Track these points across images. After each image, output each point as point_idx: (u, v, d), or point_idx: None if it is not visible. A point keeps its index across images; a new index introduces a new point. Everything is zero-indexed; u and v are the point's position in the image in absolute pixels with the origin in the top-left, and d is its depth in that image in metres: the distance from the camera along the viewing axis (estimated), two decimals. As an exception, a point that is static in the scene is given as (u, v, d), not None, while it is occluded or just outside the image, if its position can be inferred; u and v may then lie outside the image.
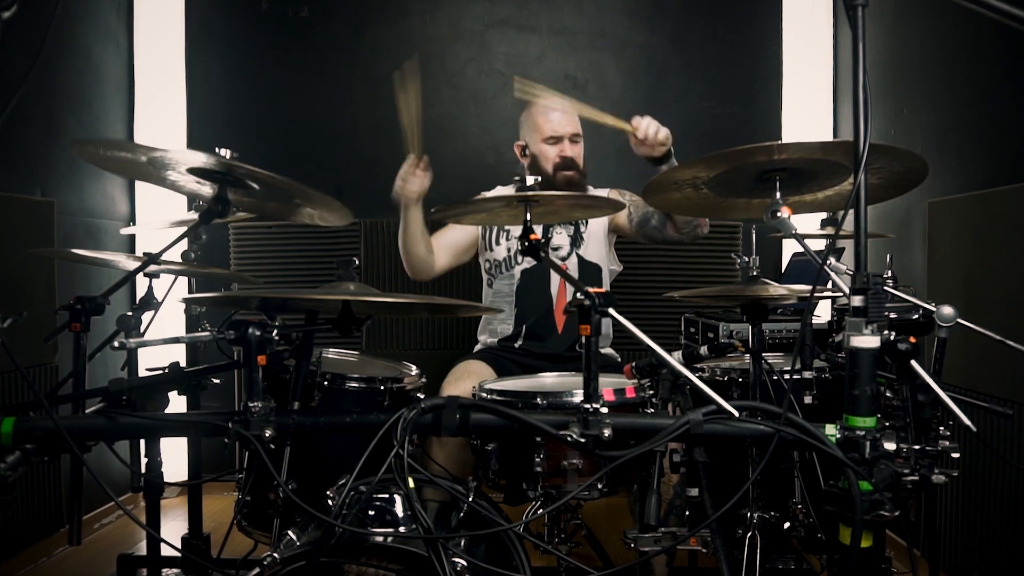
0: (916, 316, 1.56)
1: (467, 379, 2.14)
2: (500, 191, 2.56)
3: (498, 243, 2.49)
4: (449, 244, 2.55)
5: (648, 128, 2.15)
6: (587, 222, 2.46)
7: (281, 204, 1.68)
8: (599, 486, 1.51)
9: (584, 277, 2.41)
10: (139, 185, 3.35)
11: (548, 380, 1.91)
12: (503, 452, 1.54)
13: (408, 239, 2.39)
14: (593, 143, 3.40)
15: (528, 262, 2.42)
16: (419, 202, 2.35)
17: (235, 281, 2.47)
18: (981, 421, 2.07)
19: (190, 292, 2.18)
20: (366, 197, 3.29)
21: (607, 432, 1.19)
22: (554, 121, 2.45)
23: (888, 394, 1.36)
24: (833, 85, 3.38)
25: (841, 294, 1.33)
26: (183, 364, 1.70)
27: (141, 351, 1.76)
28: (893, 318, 1.58)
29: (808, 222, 2.37)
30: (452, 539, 1.33)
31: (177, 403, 1.73)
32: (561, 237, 2.45)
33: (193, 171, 1.51)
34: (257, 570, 1.26)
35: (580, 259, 2.44)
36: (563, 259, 2.43)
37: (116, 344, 1.33)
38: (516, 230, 2.46)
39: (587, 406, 1.21)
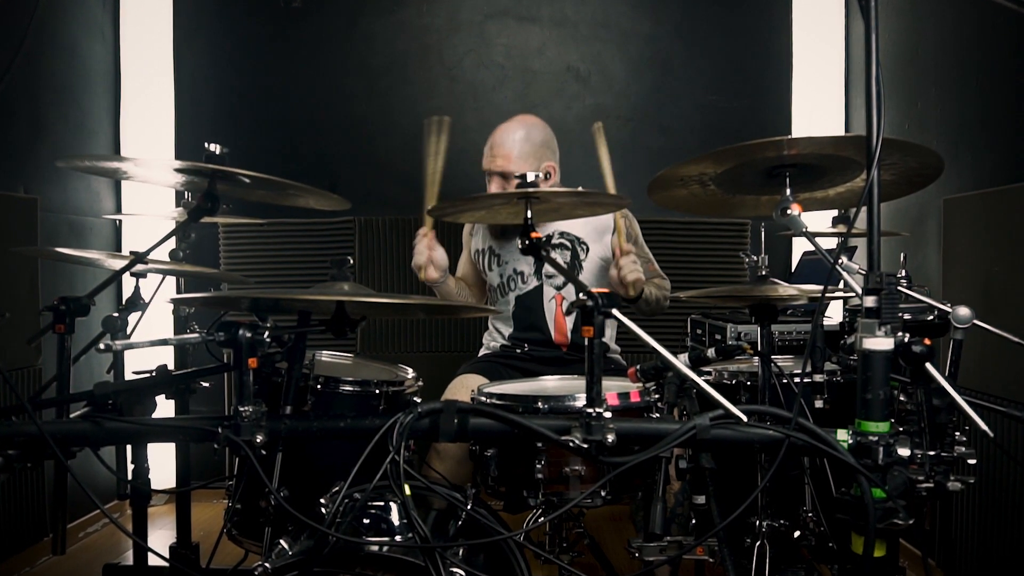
0: (931, 317, 1.56)
1: (463, 394, 2.13)
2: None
3: (491, 269, 2.48)
4: (468, 280, 2.59)
5: (624, 267, 2.14)
6: (587, 251, 2.41)
7: (273, 192, 1.68)
8: (602, 493, 1.50)
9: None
10: (125, 181, 3.35)
11: (549, 384, 1.91)
12: (503, 458, 1.54)
13: (444, 300, 2.42)
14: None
15: (520, 288, 2.41)
16: (443, 280, 2.35)
17: (225, 281, 2.47)
18: (998, 426, 2.08)
19: (178, 292, 2.18)
20: (361, 192, 3.31)
21: (610, 437, 1.19)
22: (485, 153, 2.40)
23: (902, 398, 1.36)
24: (845, 78, 3.38)
25: (853, 294, 1.33)
26: (171, 367, 1.70)
27: (128, 353, 1.76)
28: (907, 319, 1.58)
29: (819, 220, 2.37)
30: (450, 548, 1.33)
31: (165, 407, 1.73)
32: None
33: (181, 170, 1.51)
34: (248, 580, 1.26)
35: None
36: (558, 288, 2.40)
37: (102, 346, 1.33)
38: (505, 255, 2.44)
39: (590, 410, 1.21)
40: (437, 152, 2.16)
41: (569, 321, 2.38)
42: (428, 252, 2.26)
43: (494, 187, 2.36)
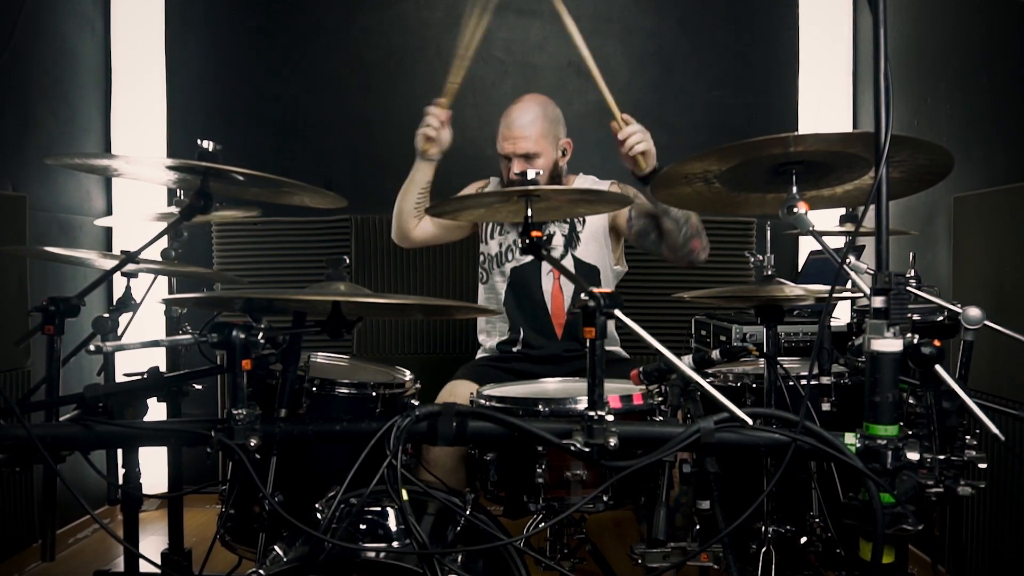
0: (941, 318, 1.56)
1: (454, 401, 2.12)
2: (494, 183, 2.56)
3: (492, 237, 2.49)
4: (439, 222, 2.56)
5: (631, 135, 2.13)
6: (584, 221, 2.44)
7: (267, 190, 1.68)
8: (604, 498, 1.51)
9: None
10: (116, 179, 3.35)
11: (550, 386, 1.91)
12: (502, 462, 1.54)
13: (406, 188, 2.46)
14: (598, 135, 3.41)
15: (519, 259, 2.42)
16: (435, 159, 2.39)
17: (218, 281, 2.47)
18: (1010, 429, 2.08)
19: (170, 292, 2.18)
20: (357, 191, 3.30)
21: (613, 441, 1.19)
22: (503, 136, 2.37)
23: (911, 401, 1.36)
24: (853, 73, 3.38)
25: (861, 295, 1.33)
26: (163, 369, 1.70)
27: (118, 355, 1.76)
28: (916, 320, 1.58)
29: (826, 218, 2.37)
30: (448, 554, 1.33)
31: (157, 410, 1.73)
32: (555, 237, 2.43)
33: (173, 167, 1.52)
34: (241, 587, 1.26)
35: (576, 260, 2.42)
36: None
37: (92, 348, 1.33)
38: (507, 225, 2.45)
39: (591, 413, 1.21)
40: (476, 29, 2.18)
41: (567, 291, 2.39)
42: (438, 128, 2.30)
43: (516, 169, 2.32)
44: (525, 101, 2.40)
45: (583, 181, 2.50)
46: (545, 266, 2.41)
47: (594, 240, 2.44)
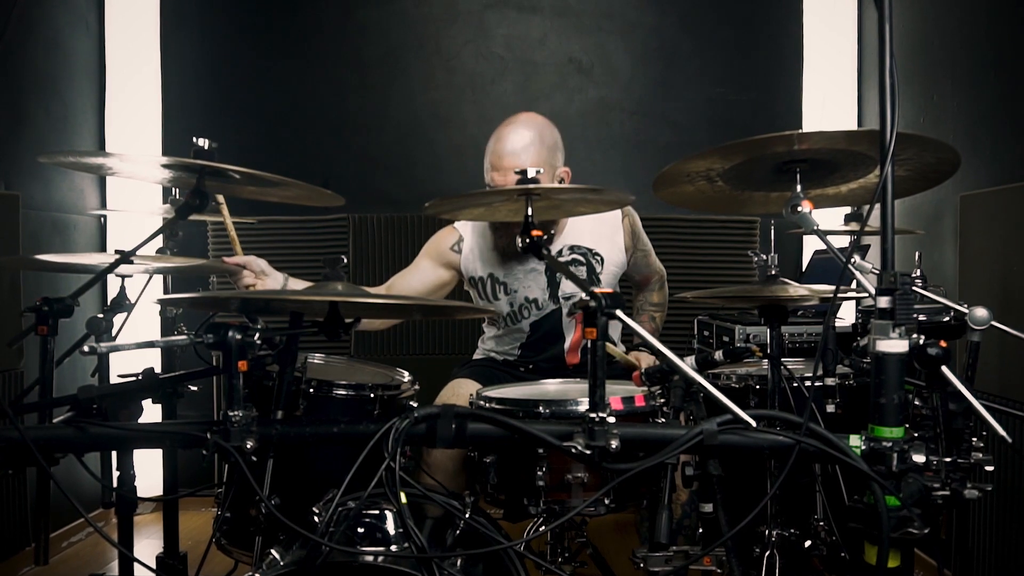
0: (947, 318, 1.57)
1: (456, 400, 2.08)
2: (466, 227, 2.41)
3: (496, 298, 2.33)
4: (415, 288, 2.35)
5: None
6: (603, 262, 2.32)
7: (264, 189, 1.69)
8: (606, 501, 1.51)
9: None
10: (110, 177, 3.35)
11: (551, 388, 1.91)
12: (502, 465, 1.54)
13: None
14: (599, 132, 3.42)
15: (536, 313, 2.30)
16: (283, 280, 2.20)
17: (213, 272, 2.44)
18: (1017, 431, 2.07)
19: (166, 292, 2.18)
20: (355, 189, 3.31)
21: (614, 443, 1.19)
22: (491, 166, 2.14)
23: (917, 402, 1.36)
24: (858, 70, 3.39)
25: (866, 295, 1.33)
26: (158, 370, 1.70)
27: (113, 356, 1.76)
28: (922, 321, 1.58)
29: (831, 217, 2.37)
30: (447, 558, 1.33)
31: (152, 412, 1.73)
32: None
33: (168, 165, 1.52)
34: (238, 592, 1.26)
35: None
36: (578, 304, 2.33)
37: (86, 348, 1.33)
38: (512, 283, 2.30)
39: (593, 415, 1.21)
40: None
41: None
42: (256, 275, 2.12)
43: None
44: (518, 124, 2.16)
45: (579, 220, 2.33)
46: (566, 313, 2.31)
47: (609, 281, 2.34)
